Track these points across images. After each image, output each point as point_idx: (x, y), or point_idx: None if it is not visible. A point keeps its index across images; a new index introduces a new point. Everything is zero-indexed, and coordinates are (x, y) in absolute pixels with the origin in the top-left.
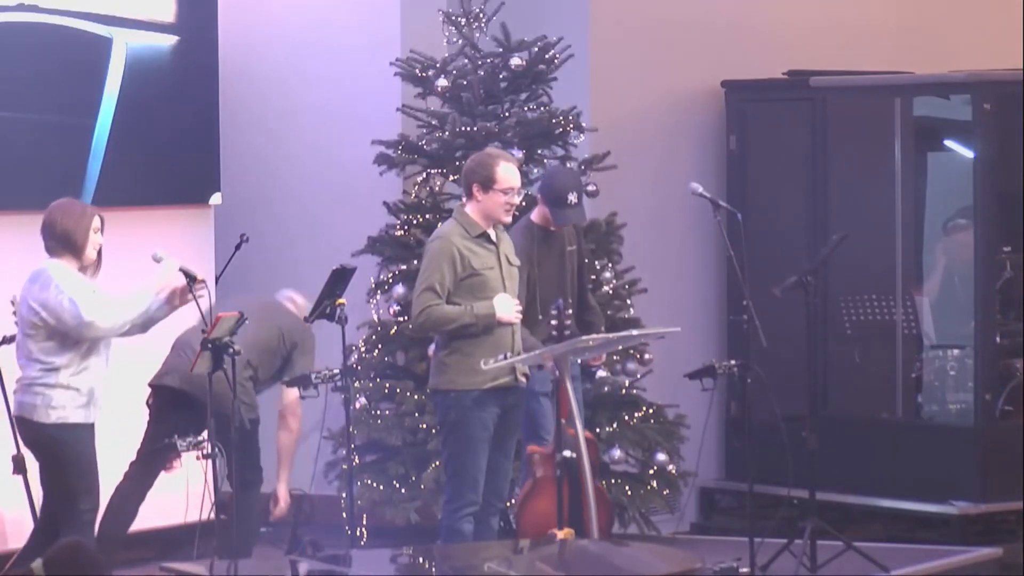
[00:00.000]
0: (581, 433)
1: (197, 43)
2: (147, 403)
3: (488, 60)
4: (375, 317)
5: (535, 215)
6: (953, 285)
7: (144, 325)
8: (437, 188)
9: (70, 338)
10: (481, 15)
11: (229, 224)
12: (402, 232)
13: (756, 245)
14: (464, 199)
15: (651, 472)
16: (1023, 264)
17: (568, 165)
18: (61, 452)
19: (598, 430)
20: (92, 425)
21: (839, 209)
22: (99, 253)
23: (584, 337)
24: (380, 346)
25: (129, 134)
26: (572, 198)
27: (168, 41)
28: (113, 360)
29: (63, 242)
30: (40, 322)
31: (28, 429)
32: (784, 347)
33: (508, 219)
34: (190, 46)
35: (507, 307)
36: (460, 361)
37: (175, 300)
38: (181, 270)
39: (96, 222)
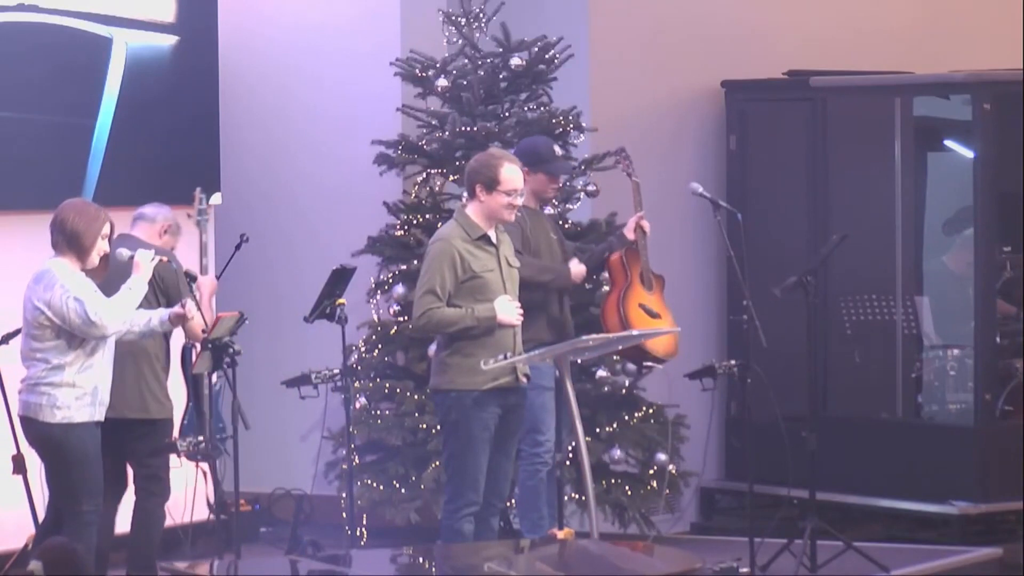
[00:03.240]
0: (581, 435)
1: (197, 43)
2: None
3: (488, 60)
4: (375, 317)
5: (524, 198)
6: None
7: (143, 334)
8: (437, 188)
9: (76, 337)
10: (481, 15)
11: (229, 224)
12: (402, 232)
13: (756, 245)
14: (465, 199)
15: (651, 472)
16: (1023, 264)
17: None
18: (66, 452)
19: (598, 430)
20: (97, 424)
21: (839, 209)
22: (106, 257)
23: (584, 337)
24: (380, 346)
25: (129, 134)
26: (558, 149)
27: (168, 41)
28: None
29: (70, 241)
30: (47, 321)
31: (33, 429)
32: (784, 347)
33: (511, 218)
34: (190, 46)
35: (508, 309)
36: (461, 361)
37: (178, 321)
38: (185, 272)
39: (106, 228)
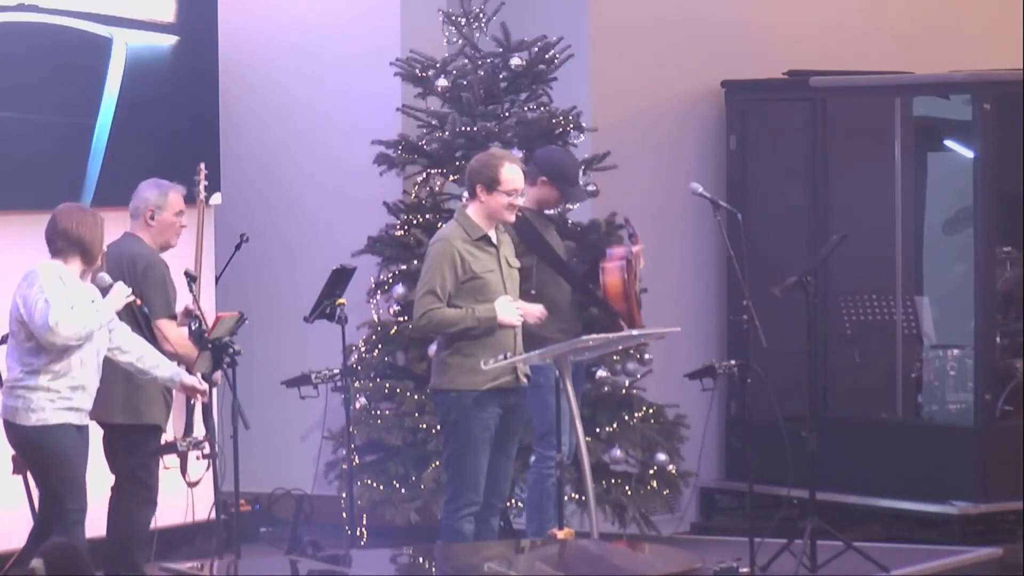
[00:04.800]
0: (582, 435)
1: (197, 43)
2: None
3: (488, 60)
4: (375, 317)
5: (527, 200)
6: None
7: (140, 372)
8: (437, 188)
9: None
10: (481, 15)
11: (229, 224)
12: (402, 232)
13: (756, 245)
14: (466, 199)
15: (651, 472)
16: (1023, 264)
17: None
18: (43, 454)
19: (598, 430)
20: (76, 427)
21: (839, 209)
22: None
23: (584, 337)
24: (380, 346)
25: (129, 134)
26: (580, 176)
27: (168, 41)
28: None
29: (78, 247)
30: (24, 319)
31: (12, 432)
32: (784, 347)
33: (512, 218)
34: (190, 46)
35: (509, 310)
36: (461, 361)
37: (183, 390)
38: (185, 272)
39: (103, 227)
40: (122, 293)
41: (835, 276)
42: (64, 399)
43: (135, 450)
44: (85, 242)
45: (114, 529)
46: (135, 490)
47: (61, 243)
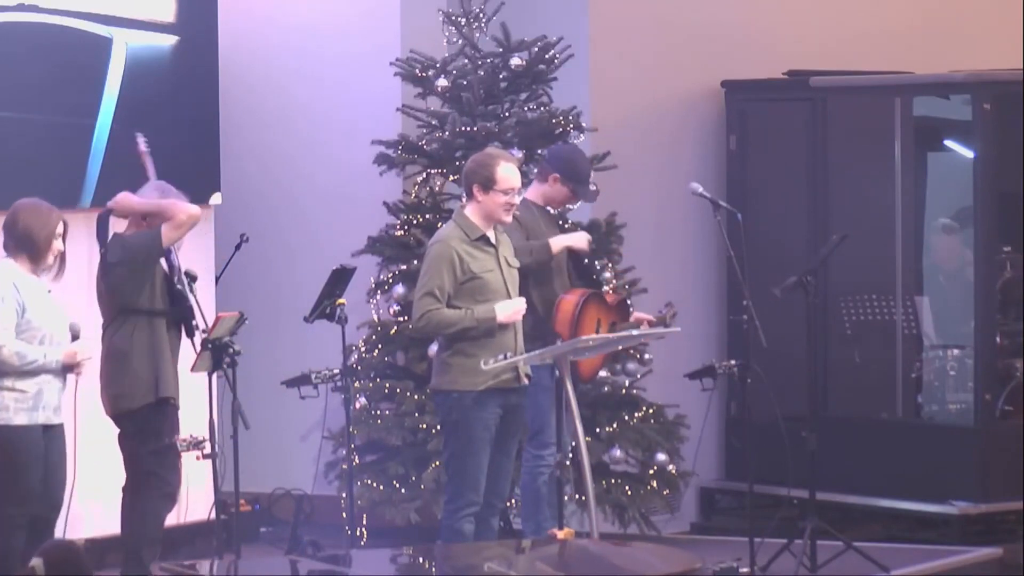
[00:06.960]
0: (581, 435)
1: (197, 43)
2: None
3: (488, 60)
4: (375, 317)
5: (534, 195)
6: (940, 285)
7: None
8: (437, 188)
9: None
10: (481, 15)
11: (229, 224)
12: (402, 232)
13: (756, 245)
14: (464, 200)
15: (651, 472)
16: (1023, 264)
17: None
18: (3, 454)
19: (598, 430)
20: (45, 428)
21: (839, 209)
22: (62, 257)
23: (584, 337)
24: (380, 346)
25: (129, 134)
26: (591, 177)
27: (168, 41)
28: None
29: (23, 242)
30: None
31: None
32: (784, 347)
33: (509, 219)
34: (190, 46)
35: (509, 308)
36: (463, 362)
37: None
38: (186, 273)
39: (60, 227)
40: (75, 356)
41: (835, 276)
42: (31, 398)
43: (145, 439)
44: (32, 235)
45: (126, 525)
46: (149, 484)
47: (7, 239)
